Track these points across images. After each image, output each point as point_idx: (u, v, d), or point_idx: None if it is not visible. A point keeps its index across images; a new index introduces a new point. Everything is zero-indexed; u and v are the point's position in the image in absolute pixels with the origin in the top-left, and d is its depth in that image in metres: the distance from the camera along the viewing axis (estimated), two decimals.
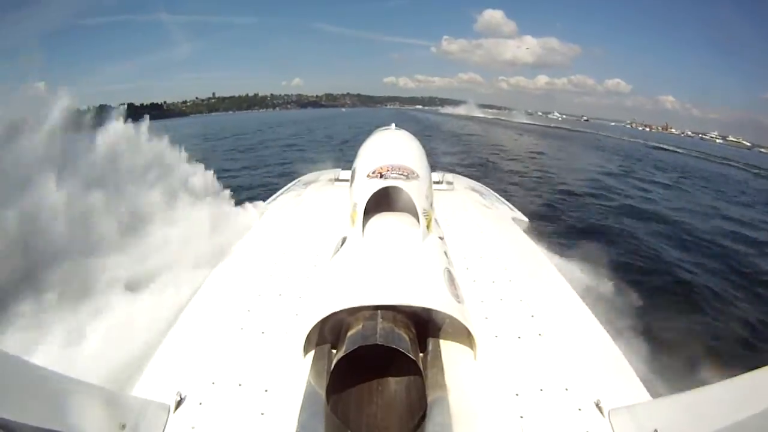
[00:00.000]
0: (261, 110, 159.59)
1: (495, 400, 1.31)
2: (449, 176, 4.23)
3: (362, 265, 1.58)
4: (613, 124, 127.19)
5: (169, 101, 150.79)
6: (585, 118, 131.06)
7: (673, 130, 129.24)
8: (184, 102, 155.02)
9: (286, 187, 4.28)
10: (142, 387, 1.32)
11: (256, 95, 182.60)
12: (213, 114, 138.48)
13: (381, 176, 1.75)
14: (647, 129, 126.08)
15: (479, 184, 4.68)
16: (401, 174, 1.76)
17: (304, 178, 4.51)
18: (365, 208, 1.71)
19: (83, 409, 0.93)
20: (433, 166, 2.60)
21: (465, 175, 5.18)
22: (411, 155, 1.93)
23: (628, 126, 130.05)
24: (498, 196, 4.32)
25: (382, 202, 1.79)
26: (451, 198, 3.54)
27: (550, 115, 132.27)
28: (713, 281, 5.79)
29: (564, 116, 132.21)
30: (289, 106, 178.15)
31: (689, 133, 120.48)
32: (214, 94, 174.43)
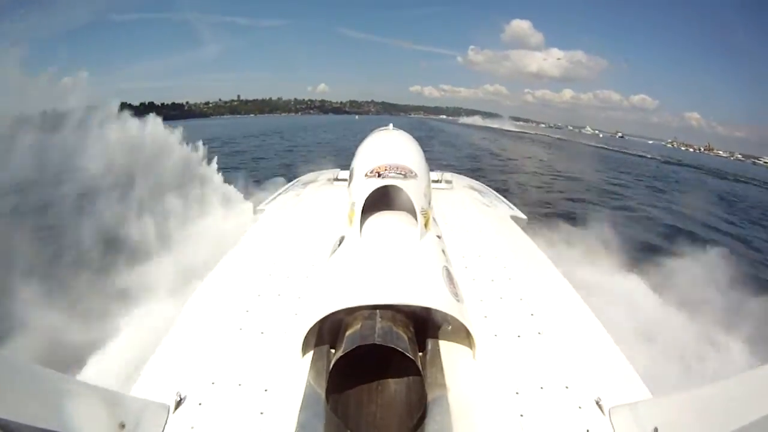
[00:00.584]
0: (282, 114, 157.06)
1: (495, 399, 1.31)
2: (448, 175, 4.23)
3: (360, 264, 1.58)
4: (651, 142, 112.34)
5: (192, 102, 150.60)
6: (620, 134, 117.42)
7: (720, 152, 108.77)
8: (207, 103, 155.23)
9: (284, 187, 4.24)
10: (141, 387, 1.33)
11: (279, 99, 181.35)
12: (237, 116, 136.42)
13: (379, 175, 1.75)
14: (690, 149, 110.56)
15: (478, 182, 4.63)
16: (399, 173, 1.76)
17: (302, 178, 4.49)
18: (363, 208, 1.71)
19: (82, 409, 0.94)
20: (432, 166, 2.55)
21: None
22: (409, 155, 1.92)
23: (669, 146, 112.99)
24: (497, 194, 4.21)
25: (381, 201, 1.79)
26: (449, 197, 3.53)
27: (583, 130, 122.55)
28: None
29: (597, 131, 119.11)
30: (311, 111, 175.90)
31: (739, 156, 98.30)
32: (238, 96, 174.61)
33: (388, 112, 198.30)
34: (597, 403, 1.26)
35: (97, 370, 1.72)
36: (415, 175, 1.79)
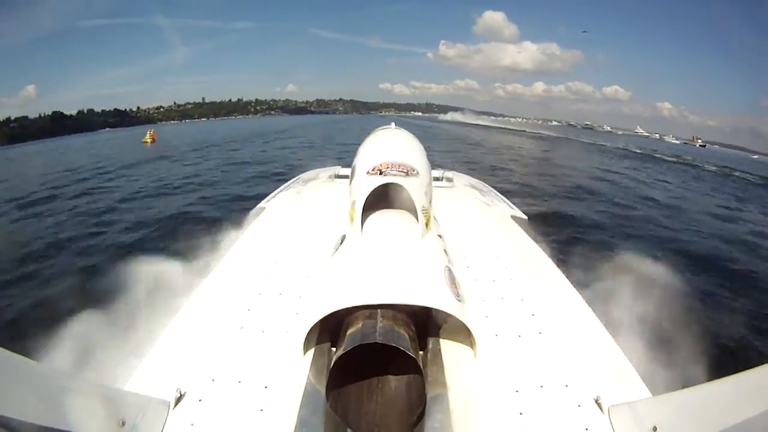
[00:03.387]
0: (238, 117, 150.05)
1: (495, 397, 1.33)
2: (449, 173, 4.22)
3: (361, 263, 1.60)
4: (755, 157, 72.38)
5: (144, 107, 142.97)
6: (701, 141, 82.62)
7: None
8: (158, 108, 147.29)
9: (285, 185, 4.23)
10: (141, 384, 1.34)
11: (239, 100, 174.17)
12: (184, 122, 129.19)
13: (380, 173, 1.75)
14: None
15: (479, 181, 4.63)
16: (401, 171, 1.76)
17: (303, 176, 4.48)
18: (364, 206, 1.73)
19: (83, 406, 0.95)
20: (433, 164, 2.46)
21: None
22: (411, 153, 1.91)
23: None
24: (497, 193, 4.20)
25: (382, 199, 1.81)
26: (450, 195, 3.55)
27: (637, 131, 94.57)
28: None
29: (657, 134, 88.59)
30: (272, 112, 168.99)
31: None
32: (203, 98, 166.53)
33: (357, 110, 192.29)
34: (596, 401, 1.29)
35: (96, 367, 1.73)
36: (417, 173, 1.78)
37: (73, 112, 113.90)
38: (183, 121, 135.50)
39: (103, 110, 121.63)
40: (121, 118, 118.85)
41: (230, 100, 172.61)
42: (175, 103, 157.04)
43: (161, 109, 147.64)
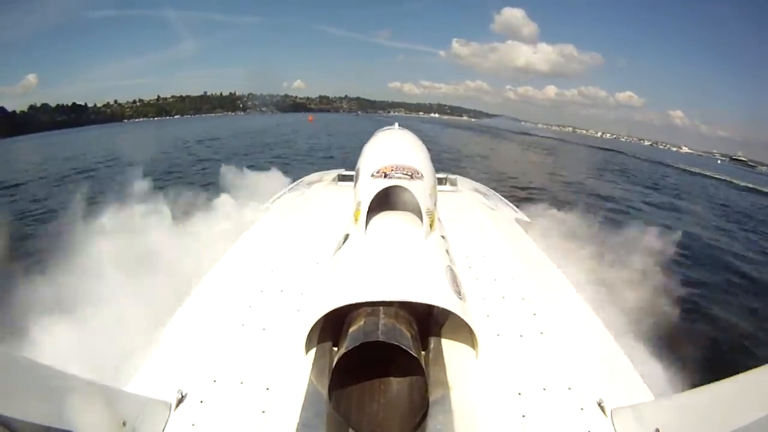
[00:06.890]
0: (219, 114, 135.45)
1: (497, 399, 1.34)
2: (453, 177, 4.22)
3: (364, 261, 1.61)
4: None
5: (144, 99, 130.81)
6: None
7: None
8: (134, 102, 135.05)
9: (289, 187, 4.25)
10: (143, 384, 1.34)
11: (232, 94, 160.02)
12: (155, 119, 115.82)
13: (385, 176, 1.76)
14: None
15: (483, 185, 4.61)
16: (405, 174, 1.76)
17: (307, 178, 4.48)
18: (369, 207, 1.73)
19: (84, 407, 0.96)
20: (437, 167, 2.46)
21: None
22: (415, 155, 1.92)
23: None
24: (501, 197, 4.20)
25: (386, 201, 1.81)
26: (454, 198, 3.57)
27: None
28: None
29: None
30: (264, 109, 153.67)
31: None
32: (204, 92, 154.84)
33: (364, 109, 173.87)
34: (599, 404, 1.29)
35: (97, 367, 1.66)
36: (421, 175, 1.79)
37: (25, 108, 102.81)
38: (153, 118, 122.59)
39: (58, 105, 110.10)
40: (77, 115, 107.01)
41: (221, 94, 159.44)
42: (158, 96, 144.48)
43: (135, 104, 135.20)
